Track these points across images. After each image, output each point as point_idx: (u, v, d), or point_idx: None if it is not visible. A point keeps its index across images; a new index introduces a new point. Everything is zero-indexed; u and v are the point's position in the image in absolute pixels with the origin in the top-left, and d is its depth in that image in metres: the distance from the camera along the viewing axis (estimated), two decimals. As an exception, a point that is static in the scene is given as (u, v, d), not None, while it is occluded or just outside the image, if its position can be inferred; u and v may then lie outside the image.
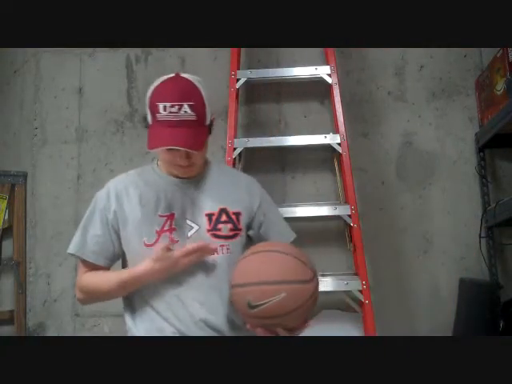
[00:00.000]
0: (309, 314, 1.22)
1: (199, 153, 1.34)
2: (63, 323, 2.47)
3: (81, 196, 2.56)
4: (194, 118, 1.29)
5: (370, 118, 2.47)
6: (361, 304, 2.04)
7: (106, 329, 2.44)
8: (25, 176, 2.63)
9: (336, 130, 2.22)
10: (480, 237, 2.29)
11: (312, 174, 2.44)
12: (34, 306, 2.52)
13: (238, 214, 1.40)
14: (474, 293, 2.17)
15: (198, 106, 1.31)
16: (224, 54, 2.48)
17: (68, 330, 2.46)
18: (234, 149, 2.21)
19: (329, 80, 2.25)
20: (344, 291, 2.09)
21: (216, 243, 1.35)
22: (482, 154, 2.36)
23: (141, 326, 1.33)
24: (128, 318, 1.38)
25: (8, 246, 2.60)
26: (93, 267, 1.41)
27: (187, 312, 1.30)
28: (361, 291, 2.01)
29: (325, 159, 2.41)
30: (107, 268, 1.42)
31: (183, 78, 1.34)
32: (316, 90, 2.42)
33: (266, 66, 2.47)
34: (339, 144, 2.17)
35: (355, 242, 2.07)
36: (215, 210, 1.38)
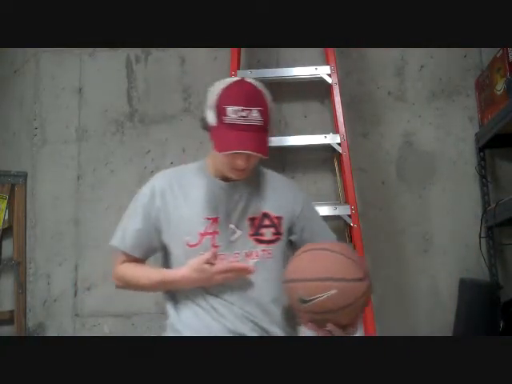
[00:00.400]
0: (360, 312, 1.24)
1: (256, 157, 1.34)
2: (63, 323, 2.47)
3: (81, 196, 2.56)
4: (261, 123, 1.29)
5: (370, 118, 2.47)
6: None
7: (106, 329, 2.44)
8: (25, 176, 2.63)
9: (336, 130, 2.22)
10: (480, 237, 2.29)
11: (312, 174, 2.44)
12: (34, 306, 2.52)
13: (280, 219, 1.41)
14: (474, 293, 2.17)
15: (265, 112, 1.31)
16: (224, 54, 2.48)
17: (68, 330, 2.45)
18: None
19: (329, 80, 2.25)
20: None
21: (258, 248, 1.37)
22: (482, 153, 2.36)
23: (186, 321, 1.36)
24: (172, 311, 1.40)
25: (8, 245, 2.60)
26: (130, 259, 1.45)
27: (232, 312, 1.33)
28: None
29: (325, 159, 2.41)
30: (143, 260, 1.47)
31: (250, 83, 1.35)
32: (316, 90, 2.42)
33: (266, 66, 2.47)
34: (339, 144, 2.17)
35: (355, 242, 2.07)
36: (258, 214, 1.40)
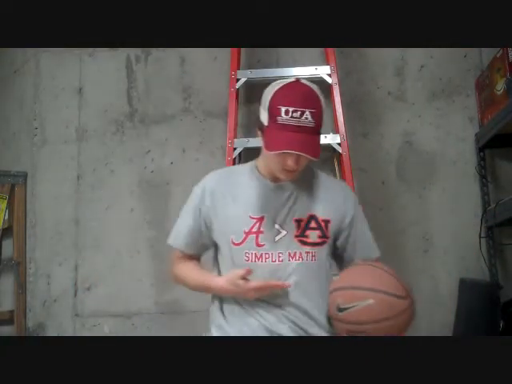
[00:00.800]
0: (400, 331, 1.22)
1: (306, 159, 1.35)
2: (63, 323, 2.47)
3: (81, 196, 2.56)
4: (312, 125, 1.30)
5: (370, 118, 2.47)
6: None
7: (105, 329, 2.44)
8: (25, 176, 2.63)
9: (336, 130, 2.22)
10: (480, 237, 2.28)
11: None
12: (34, 306, 2.51)
13: (327, 222, 1.41)
14: (474, 293, 2.17)
15: (318, 114, 1.32)
16: (224, 54, 2.48)
17: (68, 330, 2.45)
18: (234, 149, 2.20)
19: (329, 80, 2.25)
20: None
21: (302, 249, 1.38)
22: (482, 154, 2.36)
23: (230, 319, 1.40)
24: (216, 311, 1.44)
25: (8, 245, 2.60)
26: (185, 256, 1.51)
27: (273, 315, 1.35)
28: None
29: (325, 159, 2.41)
30: (198, 256, 1.53)
31: (305, 84, 1.35)
32: (316, 89, 2.42)
33: (266, 66, 2.47)
34: (339, 144, 2.17)
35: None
36: (304, 216, 1.40)
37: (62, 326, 2.46)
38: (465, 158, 2.40)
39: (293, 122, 1.28)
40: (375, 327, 1.17)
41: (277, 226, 1.38)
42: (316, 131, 1.32)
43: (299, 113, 1.28)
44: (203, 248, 1.51)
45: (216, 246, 1.48)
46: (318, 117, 1.31)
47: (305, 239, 1.38)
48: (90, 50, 2.66)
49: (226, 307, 1.42)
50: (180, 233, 1.50)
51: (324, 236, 1.40)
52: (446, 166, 2.41)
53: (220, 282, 1.38)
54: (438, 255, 2.35)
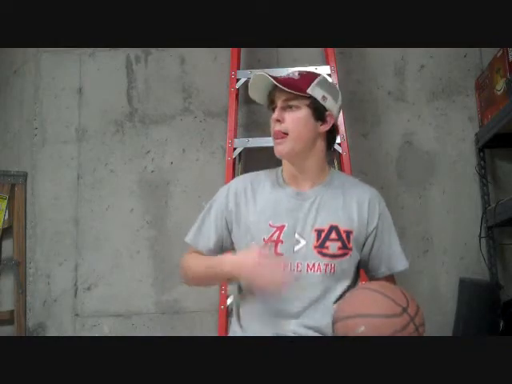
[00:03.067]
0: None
1: (294, 120, 1.35)
2: (63, 323, 2.47)
3: (81, 196, 2.56)
4: (297, 77, 1.38)
5: (370, 118, 2.47)
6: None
7: (105, 329, 2.44)
8: (25, 176, 2.63)
9: (336, 130, 2.22)
10: (480, 237, 2.29)
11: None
12: (34, 306, 2.51)
13: (349, 233, 1.36)
14: (474, 293, 2.17)
15: (306, 75, 1.40)
16: (224, 54, 2.48)
17: (68, 330, 2.45)
18: (234, 149, 2.21)
19: (329, 80, 2.25)
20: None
21: (321, 261, 1.32)
22: (481, 154, 2.36)
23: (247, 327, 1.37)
24: (236, 313, 1.42)
25: (8, 246, 2.60)
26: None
27: (284, 327, 1.31)
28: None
29: (325, 159, 2.41)
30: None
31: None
32: (316, 90, 2.42)
33: (266, 66, 2.47)
34: (339, 144, 2.17)
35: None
36: (325, 226, 1.35)
37: (62, 326, 2.46)
38: (465, 158, 2.40)
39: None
40: None
41: (297, 236, 1.34)
42: (301, 86, 1.35)
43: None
44: (221, 250, 1.46)
45: (233, 250, 1.45)
46: (304, 75, 1.39)
47: (324, 250, 1.33)
48: (90, 50, 2.66)
49: (243, 318, 1.39)
50: (200, 232, 1.46)
51: (345, 247, 1.34)
52: (446, 165, 2.41)
53: (234, 257, 1.33)
54: (437, 255, 2.35)
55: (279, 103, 1.36)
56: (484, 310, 2.10)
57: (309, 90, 1.36)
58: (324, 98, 1.38)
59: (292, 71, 1.42)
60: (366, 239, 1.39)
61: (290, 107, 1.36)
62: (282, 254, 1.33)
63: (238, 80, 2.27)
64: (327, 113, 1.39)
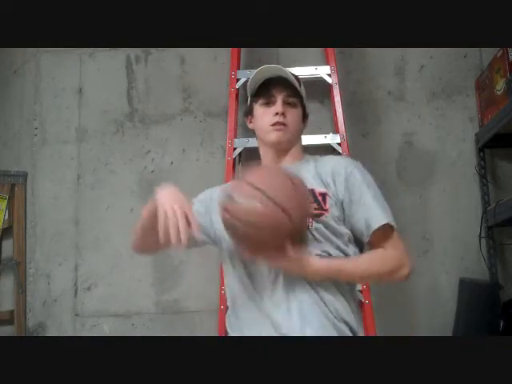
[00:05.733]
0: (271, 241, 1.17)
1: (293, 116, 1.39)
2: (63, 323, 2.47)
3: (81, 196, 2.56)
4: (291, 76, 1.39)
5: (370, 118, 2.47)
6: (361, 304, 2.04)
7: (105, 329, 2.44)
8: (25, 176, 2.63)
9: (336, 130, 2.22)
10: (480, 237, 2.29)
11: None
12: (34, 306, 2.51)
13: (324, 195, 1.33)
14: (474, 293, 2.17)
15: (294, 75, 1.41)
16: (224, 54, 2.48)
17: (68, 330, 2.45)
18: (234, 149, 2.21)
19: (329, 80, 2.25)
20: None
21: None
22: (481, 154, 2.36)
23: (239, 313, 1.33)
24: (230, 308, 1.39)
25: (8, 246, 2.60)
26: None
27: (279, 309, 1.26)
28: (361, 291, 2.01)
29: (325, 159, 2.41)
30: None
31: None
32: (316, 90, 2.42)
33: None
34: (339, 144, 2.17)
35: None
36: None
37: (62, 326, 2.46)
38: (465, 158, 2.40)
39: (267, 68, 1.38)
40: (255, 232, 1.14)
41: None
42: (294, 77, 1.39)
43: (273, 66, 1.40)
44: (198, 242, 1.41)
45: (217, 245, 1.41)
46: (294, 75, 1.40)
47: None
48: (90, 49, 2.66)
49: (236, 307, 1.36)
50: None
51: (321, 208, 1.31)
52: (445, 165, 2.41)
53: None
54: (437, 255, 2.35)
55: (281, 98, 1.39)
56: (484, 310, 2.10)
57: (301, 89, 1.42)
58: (303, 97, 1.46)
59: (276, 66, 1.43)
60: (342, 204, 1.34)
61: (289, 103, 1.40)
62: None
63: (238, 80, 2.27)
64: (306, 112, 1.47)
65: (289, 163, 1.43)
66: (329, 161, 1.44)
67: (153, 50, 2.63)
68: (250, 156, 2.43)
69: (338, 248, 1.31)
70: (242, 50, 2.46)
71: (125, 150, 2.57)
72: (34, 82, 2.70)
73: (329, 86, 2.28)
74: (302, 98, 1.44)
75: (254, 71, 1.40)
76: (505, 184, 2.36)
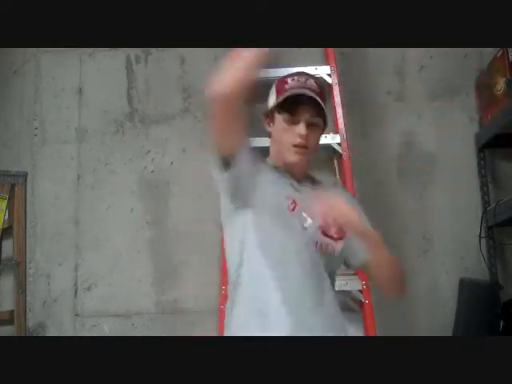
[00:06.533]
0: None
1: (315, 137, 1.39)
2: (63, 323, 2.47)
3: (81, 196, 2.56)
4: (317, 88, 1.38)
5: (370, 118, 2.47)
6: (361, 304, 2.04)
7: (105, 329, 2.44)
8: (25, 176, 2.63)
9: (336, 130, 2.22)
10: (480, 237, 2.29)
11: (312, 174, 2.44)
12: (34, 306, 2.52)
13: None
14: (474, 293, 2.17)
15: (321, 84, 1.41)
16: (224, 54, 2.48)
17: (68, 330, 2.45)
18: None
19: (329, 80, 2.25)
20: (344, 291, 2.09)
21: (324, 241, 1.35)
22: (481, 154, 2.36)
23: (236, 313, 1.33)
24: (229, 309, 1.37)
25: (8, 246, 2.60)
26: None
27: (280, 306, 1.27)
28: (361, 291, 2.01)
29: (325, 159, 2.41)
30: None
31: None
32: (316, 90, 2.42)
33: (266, 66, 2.47)
34: (339, 144, 2.17)
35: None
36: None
37: (62, 325, 2.46)
38: (465, 158, 2.40)
39: (299, 84, 1.37)
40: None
41: (304, 214, 1.35)
42: (320, 95, 1.37)
43: (304, 78, 1.39)
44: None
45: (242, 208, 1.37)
46: (321, 85, 1.39)
47: (327, 232, 1.36)
48: (90, 49, 2.66)
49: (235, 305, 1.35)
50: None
51: (341, 231, 1.37)
52: (446, 166, 2.41)
53: None
54: (437, 255, 2.35)
55: (305, 118, 1.36)
56: (484, 310, 2.10)
57: (326, 106, 1.39)
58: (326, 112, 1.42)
59: (307, 79, 1.41)
60: None
61: (312, 124, 1.38)
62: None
63: (238, 80, 2.27)
64: (326, 125, 1.45)
65: (296, 177, 1.43)
66: (334, 190, 1.52)
67: (153, 50, 2.63)
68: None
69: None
70: (242, 50, 2.46)
71: (125, 150, 2.57)
72: (34, 82, 2.70)
73: (329, 86, 2.28)
74: (325, 115, 1.41)
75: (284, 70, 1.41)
76: (505, 184, 2.36)
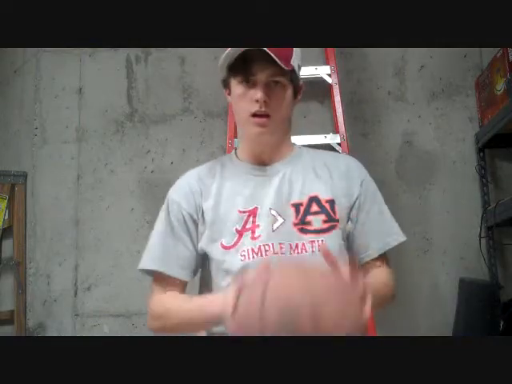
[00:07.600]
0: None
1: (278, 106, 1.13)
2: (63, 323, 2.47)
3: (81, 196, 2.56)
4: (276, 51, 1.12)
5: (370, 118, 2.47)
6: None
7: (105, 329, 2.44)
8: (25, 176, 2.63)
9: (336, 130, 2.22)
10: (480, 237, 2.29)
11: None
12: (34, 306, 2.52)
13: (332, 202, 1.16)
14: (474, 293, 2.17)
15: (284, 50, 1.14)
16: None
17: (68, 330, 2.46)
18: (235, 149, 2.20)
19: (329, 80, 2.25)
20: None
21: (305, 239, 1.12)
22: (481, 154, 2.36)
23: None
24: None
25: (8, 245, 2.60)
26: (173, 284, 1.19)
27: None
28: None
29: (325, 159, 2.41)
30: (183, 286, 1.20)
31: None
32: (316, 90, 2.42)
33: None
34: (339, 144, 2.17)
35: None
36: (303, 198, 1.16)
37: (62, 325, 2.47)
38: (465, 158, 2.40)
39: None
40: None
41: (273, 213, 1.14)
42: (282, 51, 1.13)
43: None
44: (195, 268, 1.21)
45: (204, 259, 1.21)
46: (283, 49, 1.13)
47: (306, 227, 1.13)
48: (90, 50, 2.66)
49: None
50: (155, 252, 1.20)
51: (331, 219, 1.14)
52: (446, 165, 2.41)
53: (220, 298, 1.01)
54: (437, 255, 2.35)
55: (263, 78, 1.13)
56: (484, 310, 2.10)
57: (293, 61, 1.16)
58: (299, 66, 1.20)
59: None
60: (350, 212, 1.18)
61: (276, 83, 1.14)
62: (259, 237, 1.11)
63: (238, 80, 2.27)
64: (300, 83, 1.21)
65: (277, 158, 1.23)
66: (329, 160, 1.25)
67: (153, 49, 2.63)
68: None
69: None
70: (242, 50, 2.46)
71: (125, 150, 2.57)
72: (34, 82, 2.70)
73: (329, 86, 2.28)
74: (294, 71, 1.16)
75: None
76: (505, 184, 2.36)
